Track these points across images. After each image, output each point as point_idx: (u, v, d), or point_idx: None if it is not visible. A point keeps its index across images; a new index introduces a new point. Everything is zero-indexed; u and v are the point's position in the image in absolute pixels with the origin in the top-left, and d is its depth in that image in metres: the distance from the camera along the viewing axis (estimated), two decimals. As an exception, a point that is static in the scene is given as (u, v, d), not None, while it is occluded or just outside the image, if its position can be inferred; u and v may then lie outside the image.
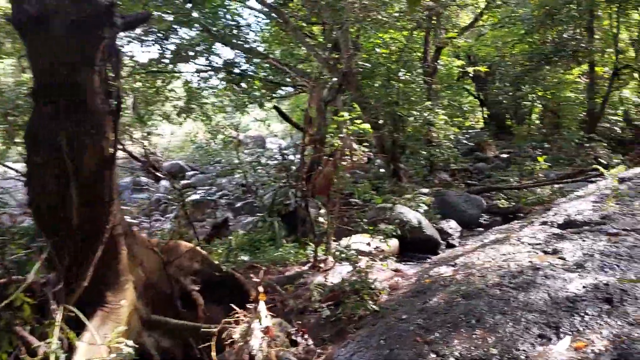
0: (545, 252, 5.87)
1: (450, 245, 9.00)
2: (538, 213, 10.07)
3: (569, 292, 4.44)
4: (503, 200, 11.38)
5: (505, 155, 18.19)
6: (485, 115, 25.94)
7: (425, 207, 9.70)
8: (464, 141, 18.53)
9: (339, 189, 6.87)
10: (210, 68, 13.29)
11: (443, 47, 16.22)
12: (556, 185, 11.48)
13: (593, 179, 11.63)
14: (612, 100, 19.94)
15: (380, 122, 12.30)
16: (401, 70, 14.72)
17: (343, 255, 7.22)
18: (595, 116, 18.65)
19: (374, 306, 5.51)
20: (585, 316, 4.06)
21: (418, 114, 13.00)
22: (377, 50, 14.51)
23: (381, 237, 8.00)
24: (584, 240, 5.87)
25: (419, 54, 15.16)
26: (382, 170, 13.57)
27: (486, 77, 23.15)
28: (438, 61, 16.00)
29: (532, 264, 5.34)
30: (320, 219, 7.44)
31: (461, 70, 23.59)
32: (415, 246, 8.69)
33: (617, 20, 18.49)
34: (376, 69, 12.15)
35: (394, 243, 8.40)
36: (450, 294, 5.12)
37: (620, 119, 20.25)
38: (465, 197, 10.59)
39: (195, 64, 13.08)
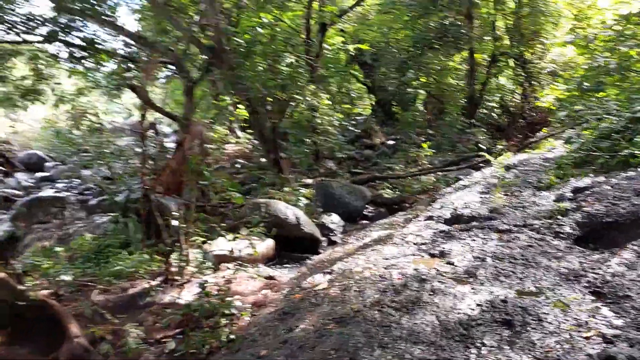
0: (432, 255, 5.01)
1: (331, 242, 8.05)
2: (423, 203, 9.41)
3: (461, 314, 3.53)
4: (388, 190, 10.67)
5: (391, 142, 17.76)
6: (373, 102, 25.65)
7: (306, 201, 8.67)
8: (351, 128, 17.82)
9: (193, 184, 5.56)
10: (61, 43, 11.20)
11: (327, 26, 15.23)
12: (440, 173, 10.98)
13: (477, 165, 11.29)
14: (489, 87, 20.26)
15: (261, 107, 11.07)
16: (286, 52, 13.59)
17: (203, 265, 5.98)
18: (475, 103, 18.77)
19: (230, 335, 4.33)
20: (483, 348, 3.15)
21: (301, 98, 11.94)
22: (259, 30, 13.24)
23: (253, 240, 6.88)
24: (473, 240, 5.08)
25: (303, 36, 14.06)
26: (264, 159, 12.37)
27: (373, 64, 22.75)
28: (322, 43, 14.99)
29: (418, 272, 4.42)
30: (175, 222, 6.07)
31: (348, 52, 23.06)
32: (293, 245, 7.63)
33: (494, 8, 18.66)
34: (254, 48, 10.83)
35: (268, 244, 7.27)
36: (321, 317, 4.05)
37: (497, 106, 20.66)
38: (349, 188, 9.70)
39: (42, 36, 10.89)
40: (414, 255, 5.12)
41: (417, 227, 6.13)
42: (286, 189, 8.85)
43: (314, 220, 8.38)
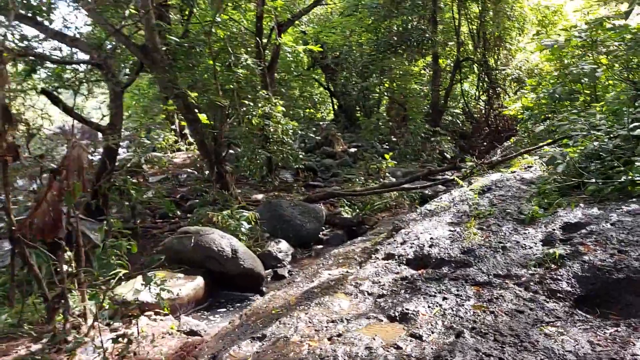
0: (392, 319, 3.75)
1: (278, 277, 6.72)
2: (384, 224, 8.21)
3: None
4: (347, 208, 9.40)
5: (353, 150, 16.53)
6: (336, 107, 24.47)
7: (248, 226, 7.32)
8: (312, 135, 16.52)
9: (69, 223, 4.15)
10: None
11: (283, 27, 13.93)
12: (404, 187, 9.77)
13: (444, 181, 10.15)
14: (454, 93, 19.33)
15: (200, 113, 9.68)
16: (237, 53, 12.27)
17: (102, 319, 4.58)
18: (439, 109, 17.78)
19: None
20: None
21: (252, 104, 10.60)
22: (214, 30, 11.86)
23: (178, 279, 5.56)
24: (444, 298, 3.84)
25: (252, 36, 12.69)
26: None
27: (335, 67, 21.55)
28: (279, 44, 13.67)
29: (371, 355, 3.16)
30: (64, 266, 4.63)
31: (310, 55, 21.80)
32: (231, 283, 6.28)
33: (458, 12, 17.71)
34: (196, 48, 9.43)
35: (197, 284, 5.91)
36: None
37: (461, 112, 19.76)
38: (302, 208, 8.37)
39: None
40: (368, 317, 3.85)
41: (374, 269, 4.87)
42: (225, 212, 7.47)
43: (258, 249, 7.05)
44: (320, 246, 8.12)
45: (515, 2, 16.94)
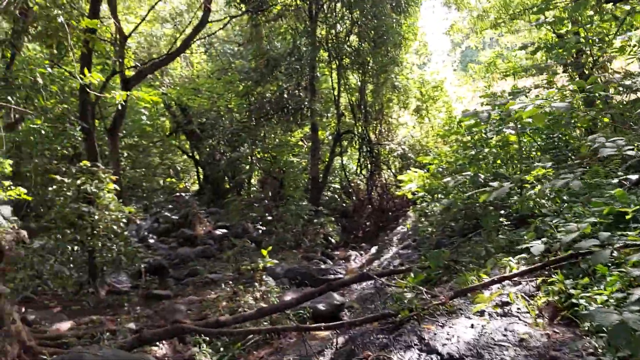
0: None
1: None
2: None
3: None
4: (205, 347, 5.72)
5: (219, 232, 12.89)
6: (202, 177, 20.79)
7: None
8: (166, 213, 12.63)
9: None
10: None
11: (131, 82, 10.35)
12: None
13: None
14: (333, 167, 16.81)
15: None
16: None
17: None
18: (319, 185, 14.97)
19: None
20: None
21: (66, 181, 6.85)
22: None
23: None
24: None
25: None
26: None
27: (201, 134, 18.07)
28: (124, 101, 9.99)
29: None
30: None
31: (173, 119, 18.29)
32: None
33: (338, 81, 15.47)
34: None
35: None
36: None
37: (341, 188, 17.24)
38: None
39: None
40: None
41: None
42: None
43: None
44: None
45: (399, 74, 15.12)
